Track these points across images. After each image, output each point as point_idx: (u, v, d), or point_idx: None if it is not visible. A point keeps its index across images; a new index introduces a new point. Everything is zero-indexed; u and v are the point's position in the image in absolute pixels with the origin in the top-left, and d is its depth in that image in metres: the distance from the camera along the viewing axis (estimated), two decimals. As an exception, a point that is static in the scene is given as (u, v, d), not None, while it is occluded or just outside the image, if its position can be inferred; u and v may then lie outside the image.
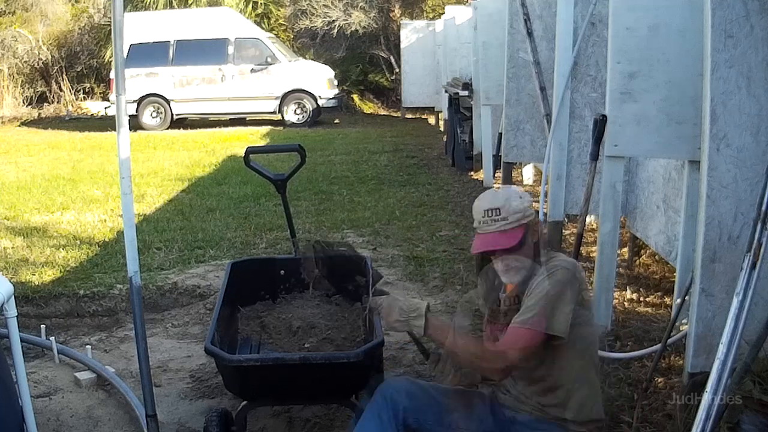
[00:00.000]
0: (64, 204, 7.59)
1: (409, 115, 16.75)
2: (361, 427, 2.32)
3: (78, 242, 6.02)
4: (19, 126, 16.45)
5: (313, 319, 3.23)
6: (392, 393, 2.32)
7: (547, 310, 2.11)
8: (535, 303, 2.14)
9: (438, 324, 2.29)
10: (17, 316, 2.36)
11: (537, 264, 2.24)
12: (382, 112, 18.38)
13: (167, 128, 14.79)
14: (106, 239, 6.13)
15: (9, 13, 18.82)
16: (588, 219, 4.71)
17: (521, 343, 2.13)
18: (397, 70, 17.38)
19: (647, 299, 4.29)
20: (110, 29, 6.49)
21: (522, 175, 8.34)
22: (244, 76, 14.84)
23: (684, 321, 3.17)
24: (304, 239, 5.74)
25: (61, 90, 18.58)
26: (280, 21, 18.89)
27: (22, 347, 2.44)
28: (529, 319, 2.13)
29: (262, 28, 16.95)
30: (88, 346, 3.74)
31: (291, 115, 14.95)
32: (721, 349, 2.05)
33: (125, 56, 6.75)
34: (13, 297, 2.32)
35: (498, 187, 2.29)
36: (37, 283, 4.99)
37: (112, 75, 14.59)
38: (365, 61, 18.47)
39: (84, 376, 3.47)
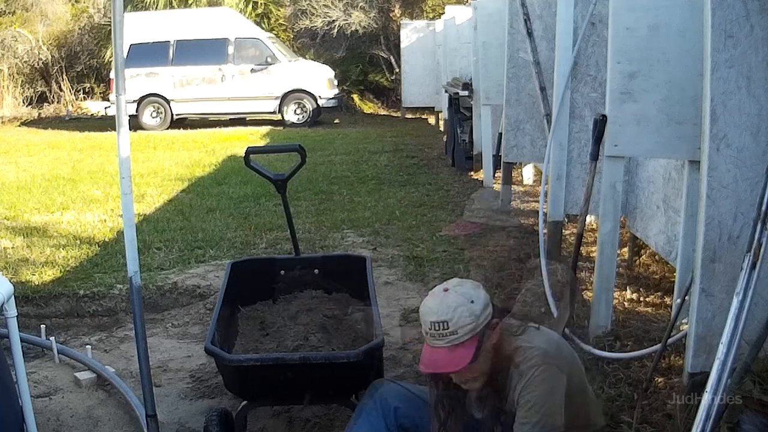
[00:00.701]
0: (64, 204, 7.59)
1: (409, 115, 16.75)
2: (353, 428, 2.32)
3: (78, 242, 6.02)
4: (19, 126, 16.45)
5: (314, 318, 3.23)
6: (384, 394, 2.31)
7: (544, 419, 2.00)
8: (529, 419, 2.02)
9: None
10: (17, 316, 2.36)
11: (504, 364, 2.08)
12: (382, 112, 18.38)
13: (167, 128, 14.79)
14: (106, 239, 6.13)
15: (9, 13, 18.82)
16: (588, 219, 4.71)
17: None
18: (397, 70, 17.38)
19: (647, 299, 4.29)
20: (110, 29, 6.49)
21: (522, 175, 8.34)
22: (244, 76, 14.84)
23: (684, 321, 3.16)
24: (304, 239, 5.74)
25: (61, 90, 18.58)
26: (280, 21, 18.90)
27: (22, 347, 2.44)
28: None
29: (262, 28, 16.95)
30: (88, 346, 3.74)
31: (291, 115, 14.95)
32: (721, 349, 2.04)
33: (125, 56, 6.75)
34: (13, 297, 2.32)
35: (445, 289, 2.08)
36: (37, 283, 4.99)
37: (112, 75, 14.60)
38: (365, 61, 18.47)
39: (84, 376, 3.47)
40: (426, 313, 2.06)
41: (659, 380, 3.16)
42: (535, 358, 2.04)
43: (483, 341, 2.03)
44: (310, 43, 17.87)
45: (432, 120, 15.77)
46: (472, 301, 2.03)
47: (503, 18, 6.25)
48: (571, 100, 4.85)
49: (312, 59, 16.93)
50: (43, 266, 5.36)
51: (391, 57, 17.86)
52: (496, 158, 7.65)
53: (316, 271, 3.56)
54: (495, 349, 2.07)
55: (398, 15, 17.80)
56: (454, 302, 2.02)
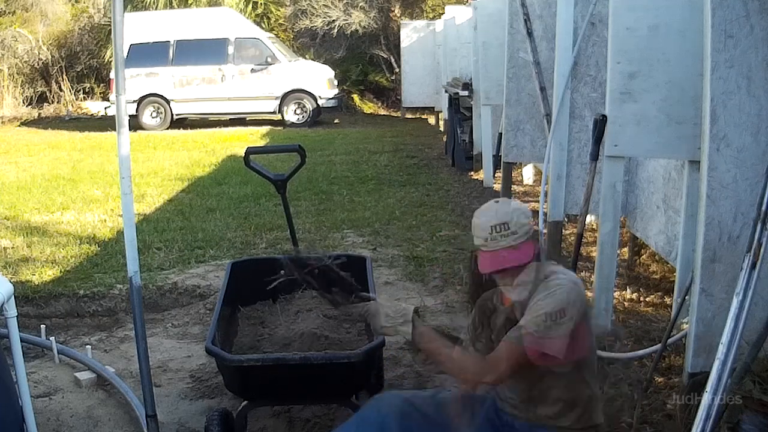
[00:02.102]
0: (64, 204, 7.59)
1: (409, 115, 16.75)
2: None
3: (78, 242, 6.02)
4: (19, 126, 16.45)
5: (314, 320, 3.22)
6: (384, 410, 2.29)
7: (542, 329, 2.04)
8: (531, 321, 2.07)
9: (425, 330, 2.25)
10: (17, 316, 2.36)
11: (539, 280, 2.16)
12: (382, 112, 18.38)
13: (167, 128, 14.78)
14: (106, 239, 6.13)
15: (9, 13, 18.82)
16: (588, 219, 4.71)
17: (512, 360, 2.08)
18: (397, 70, 17.39)
19: (647, 299, 4.29)
20: (110, 29, 6.49)
21: (522, 175, 8.35)
22: (244, 76, 14.84)
23: (684, 321, 3.17)
24: (304, 239, 5.74)
25: (61, 90, 18.58)
26: (280, 21, 18.89)
27: (22, 347, 2.44)
28: (523, 336, 2.06)
29: (262, 28, 16.95)
30: (88, 346, 3.74)
31: (291, 115, 14.95)
32: (721, 349, 2.05)
33: (125, 56, 6.75)
34: (13, 297, 2.32)
35: (496, 201, 2.28)
36: (37, 283, 4.99)
37: (112, 75, 14.60)
38: (365, 61, 18.47)
39: (84, 376, 3.47)
40: (484, 221, 2.19)
41: (659, 380, 3.17)
42: (562, 281, 2.12)
43: (534, 247, 2.18)
44: (310, 43, 17.86)
45: (432, 120, 15.77)
46: (523, 210, 2.21)
47: (503, 18, 6.25)
48: (571, 100, 4.85)
49: (312, 59, 16.93)
50: (43, 266, 5.36)
51: (391, 57, 17.86)
52: (496, 158, 7.66)
53: (317, 271, 3.55)
54: (537, 260, 2.18)
55: (398, 15, 17.80)
56: (509, 207, 2.20)
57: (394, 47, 17.25)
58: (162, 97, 14.85)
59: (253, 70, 14.83)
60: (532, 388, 2.19)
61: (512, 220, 2.16)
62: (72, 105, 18.39)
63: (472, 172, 8.87)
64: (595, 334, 2.33)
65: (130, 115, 11.55)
